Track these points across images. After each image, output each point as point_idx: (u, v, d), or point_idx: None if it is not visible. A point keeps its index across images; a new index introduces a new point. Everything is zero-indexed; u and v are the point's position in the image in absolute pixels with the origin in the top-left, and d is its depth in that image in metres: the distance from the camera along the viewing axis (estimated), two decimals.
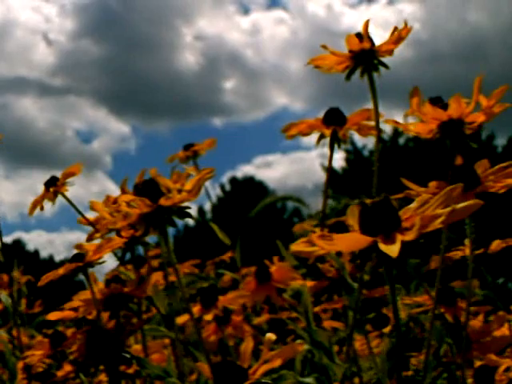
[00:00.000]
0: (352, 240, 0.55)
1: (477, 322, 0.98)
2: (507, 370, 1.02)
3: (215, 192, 20.93)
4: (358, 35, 0.97)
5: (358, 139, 17.93)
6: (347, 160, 17.61)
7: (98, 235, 0.95)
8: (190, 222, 20.80)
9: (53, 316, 1.10)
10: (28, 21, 38.08)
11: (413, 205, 0.58)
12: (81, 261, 0.95)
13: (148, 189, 0.85)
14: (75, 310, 1.09)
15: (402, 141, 17.13)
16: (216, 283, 1.39)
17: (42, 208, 1.17)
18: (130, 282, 1.00)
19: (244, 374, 0.75)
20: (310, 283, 1.13)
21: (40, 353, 1.11)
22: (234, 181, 21.04)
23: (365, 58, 0.96)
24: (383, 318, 1.12)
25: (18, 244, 19.80)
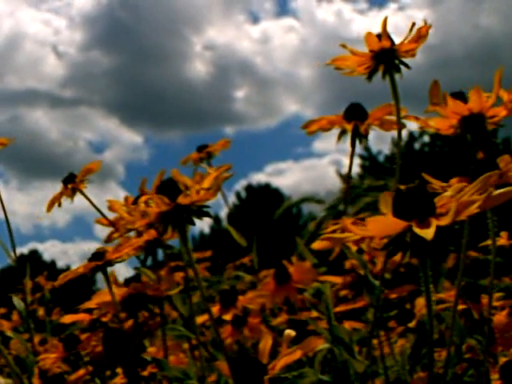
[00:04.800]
0: (386, 224, 0.54)
1: (501, 317, 0.97)
2: None
3: (231, 200, 20.96)
4: (377, 35, 0.96)
5: (374, 145, 17.86)
6: (362, 167, 17.55)
7: (116, 235, 0.95)
8: (206, 229, 20.86)
9: (67, 319, 1.09)
10: (37, 33, 38.39)
11: (447, 193, 0.58)
12: (100, 260, 0.95)
13: (167, 188, 0.85)
14: (90, 312, 1.08)
15: (417, 146, 17.05)
16: (234, 285, 1.39)
17: (59, 204, 1.16)
18: (149, 282, 1.00)
19: (263, 368, 0.75)
20: (333, 278, 1.12)
21: (54, 356, 1.10)
22: (249, 188, 21.06)
23: (386, 57, 0.95)
24: (407, 313, 1.11)
25: (35, 254, 19.91)
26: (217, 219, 20.22)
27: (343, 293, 1.23)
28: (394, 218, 0.56)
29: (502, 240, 1.58)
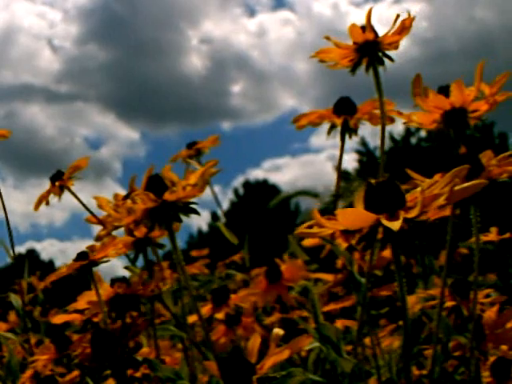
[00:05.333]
0: (356, 216, 0.55)
1: (491, 314, 0.97)
2: None
3: (228, 196, 20.96)
4: (362, 27, 0.95)
5: (371, 140, 17.88)
6: (360, 161, 17.57)
7: (103, 232, 0.94)
8: (204, 227, 20.84)
9: (59, 319, 1.08)
10: (32, 27, 38.25)
11: (419, 188, 0.58)
12: (85, 259, 0.94)
13: (154, 184, 0.85)
14: (82, 312, 1.08)
15: (414, 141, 17.07)
16: (226, 283, 1.38)
17: (47, 203, 1.16)
18: (136, 281, 0.99)
19: (251, 368, 0.74)
20: (324, 276, 1.12)
21: (45, 357, 1.10)
22: (247, 185, 21.06)
23: (369, 49, 0.94)
24: (398, 311, 1.10)
25: (32, 254, 19.88)
26: (215, 216, 20.23)
27: (336, 290, 1.22)
28: (364, 210, 0.57)
29: (491, 235, 1.58)
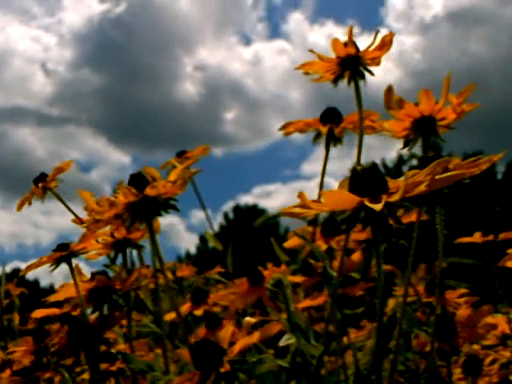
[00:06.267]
0: (340, 198, 0.58)
1: (464, 312, 1.01)
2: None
3: (218, 220, 20.95)
4: (344, 43, 0.99)
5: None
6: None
7: (84, 225, 0.96)
8: (192, 250, 20.75)
9: (38, 313, 1.10)
10: (26, 50, 38.33)
11: (401, 178, 0.61)
12: (65, 250, 0.96)
13: (136, 180, 0.88)
14: (60, 306, 1.10)
15: (405, 169, 17.16)
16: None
17: (29, 203, 1.17)
18: (116, 275, 1.02)
19: (222, 351, 0.77)
20: (300, 278, 1.15)
21: (23, 349, 1.12)
22: (237, 209, 21.08)
23: (351, 63, 0.98)
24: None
25: (17, 273, 19.71)
26: (203, 239, 20.17)
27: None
28: (349, 193, 0.59)
29: (475, 237, 1.63)
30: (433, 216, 0.80)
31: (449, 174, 0.58)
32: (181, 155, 1.71)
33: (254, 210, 20.76)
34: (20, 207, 1.18)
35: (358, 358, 1.01)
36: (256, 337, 0.76)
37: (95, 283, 0.97)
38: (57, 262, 0.97)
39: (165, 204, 0.87)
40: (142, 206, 0.86)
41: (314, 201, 0.60)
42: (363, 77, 0.99)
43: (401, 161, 17.19)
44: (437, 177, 0.58)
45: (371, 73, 0.99)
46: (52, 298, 1.01)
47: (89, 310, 0.99)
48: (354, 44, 0.99)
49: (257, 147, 31.79)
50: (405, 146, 0.88)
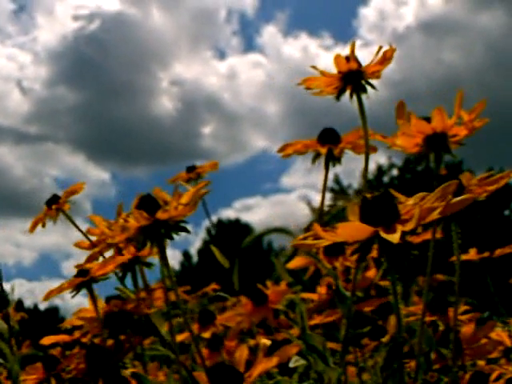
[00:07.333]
0: (354, 229, 0.58)
1: (468, 329, 1.01)
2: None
3: (200, 236, 20.90)
4: (346, 58, 1.00)
5: (344, 178, 18.03)
6: (334, 199, 17.67)
7: (96, 249, 0.96)
8: (176, 266, 20.66)
9: (47, 340, 1.09)
10: (2, 69, 38.19)
11: (410, 201, 0.61)
12: (85, 276, 0.96)
13: (146, 203, 0.87)
14: (70, 333, 1.08)
15: (386, 179, 17.27)
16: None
17: (43, 225, 1.19)
18: (130, 300, 1.01)
19: (240, 376, 0.76)
20: (307, 295, 1.15)
21: (34, 377, 1.10)
22: (219, 224, 21.03)
23: (353, 78, 0.99)
24: (380, 329, 1.13)
25: (1, 293, 19.45)
26: (187, 255, 20.12)
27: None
28: (362, 224, 0.59)
29: (471, 254, 1.64)
30: (448, 233, 0.81)
31: (464, 197, 0.58)
32: (191, 170, 1.70)
33: (237, 225, 20.74)
34: (33, 228, 1.20)
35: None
36: (275, 361, 0.76)
37: (111, 308, 0.97)
38: (77, 288, 0.97)
39: (176, 226, 0.87)
40: (154, 229, 0.86)
41: (325, 230, 0.60)
42: (365, 91, 1.00)
43: (380, 172, 17.28)
44: (452, 201, 0.58)
45: (373, 87, 1.00)
46: (68, 323, 1.00)
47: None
48: (356, 59, 1.00)
49: (236, 161, 31.72)
50: (417, 162, 0.89)
